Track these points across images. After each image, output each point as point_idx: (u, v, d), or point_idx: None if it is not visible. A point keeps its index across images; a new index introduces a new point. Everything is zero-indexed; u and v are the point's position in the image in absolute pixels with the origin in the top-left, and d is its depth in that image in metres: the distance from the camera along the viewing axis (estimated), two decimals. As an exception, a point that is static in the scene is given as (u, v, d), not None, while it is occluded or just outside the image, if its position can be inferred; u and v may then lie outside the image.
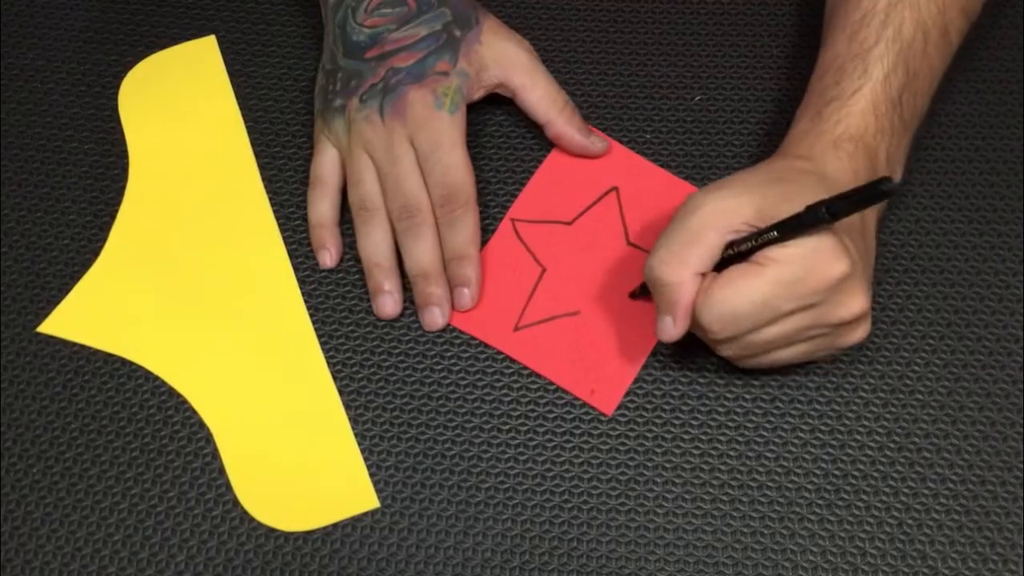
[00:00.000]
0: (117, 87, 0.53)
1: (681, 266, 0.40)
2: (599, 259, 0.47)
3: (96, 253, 0.49)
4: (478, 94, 0.48)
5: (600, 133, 0.50)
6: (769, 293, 0.38)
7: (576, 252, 0.48)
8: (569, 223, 0.48)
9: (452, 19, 0.48)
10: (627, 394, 0.45)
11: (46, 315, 0.47)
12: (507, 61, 0.48)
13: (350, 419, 0.45)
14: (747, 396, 0.45)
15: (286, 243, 0.49)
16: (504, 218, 0.49)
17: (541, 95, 0.49)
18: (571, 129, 0.49)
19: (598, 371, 0.45)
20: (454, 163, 0.46)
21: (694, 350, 0.46)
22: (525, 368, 0.46)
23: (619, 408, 0.45)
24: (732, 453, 0.45)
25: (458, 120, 0.47)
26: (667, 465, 0.44)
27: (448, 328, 0.47)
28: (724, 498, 0.44)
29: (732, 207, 0.40)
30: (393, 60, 0.47)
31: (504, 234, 0.48)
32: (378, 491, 0.44)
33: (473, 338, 0.47)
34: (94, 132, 0.52)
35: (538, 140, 0.51)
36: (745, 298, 0.38)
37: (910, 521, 0.43)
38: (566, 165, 0.50)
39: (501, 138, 0.51)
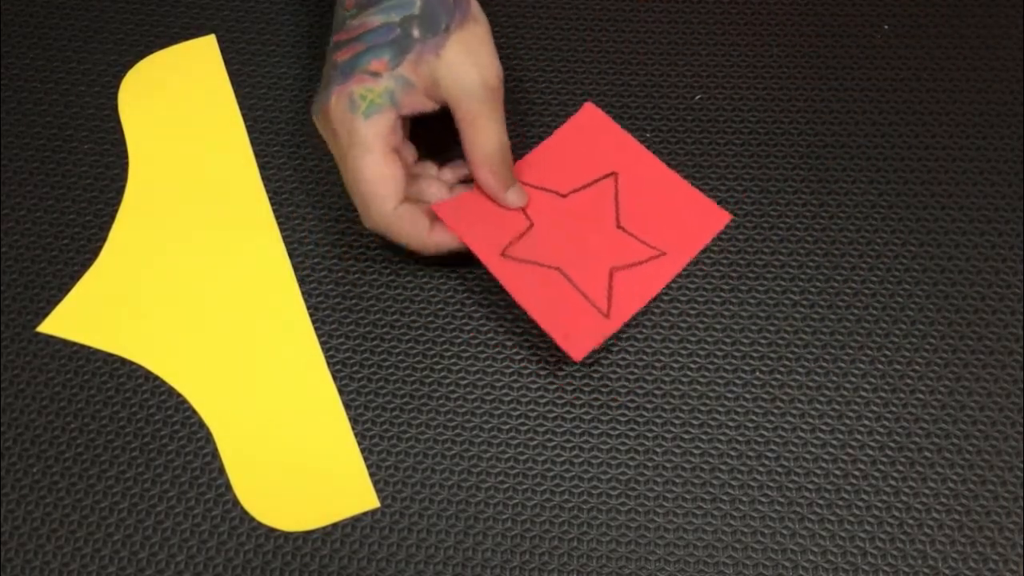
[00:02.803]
0: (117, 87, 0.53)
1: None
2: (586, 232, 0.47)
3: (96, 253, 0.49)
4: (427, 107, 0.44)
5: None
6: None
7: (565, 221, 0.48)
8: (564, 195, 0.48)
9: (418, 14, 0.43)
10: (627, 393, 0.45)
11: (46, 315, 0.47)
12: (460, 87, 0.43)
13: (350, 419, 0.45)
14: (747, 396, 0.45)
15: (286, 243, 0.49)
16: None
17: (477, 140, 0.44)
18: (491, 183, 0.46)
19: (576, 318, 0.45)
20: (354, 172, 0.43)
21: (695, 349, 0.46)
22: (526, 368, 0.46)
23: (619, 408, 0.45)
24: (732, 453, 0.45)
25: (374, 125, 0.43)
26: (667, 465, 0.44)
27: (448, 328, 0.47)
28: (724, 498, 0.44)
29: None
30: (338, 54, 0.44)
31: None
32: (378, 491, 0.44)
33: (474, 337, 0.47)
34: (94, 132, 0.52)
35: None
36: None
37: (911, 521, 0.43)
38: (574, 142, 0.50)
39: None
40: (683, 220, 0.48)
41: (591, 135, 0.50)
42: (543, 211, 0.48)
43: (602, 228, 0.47)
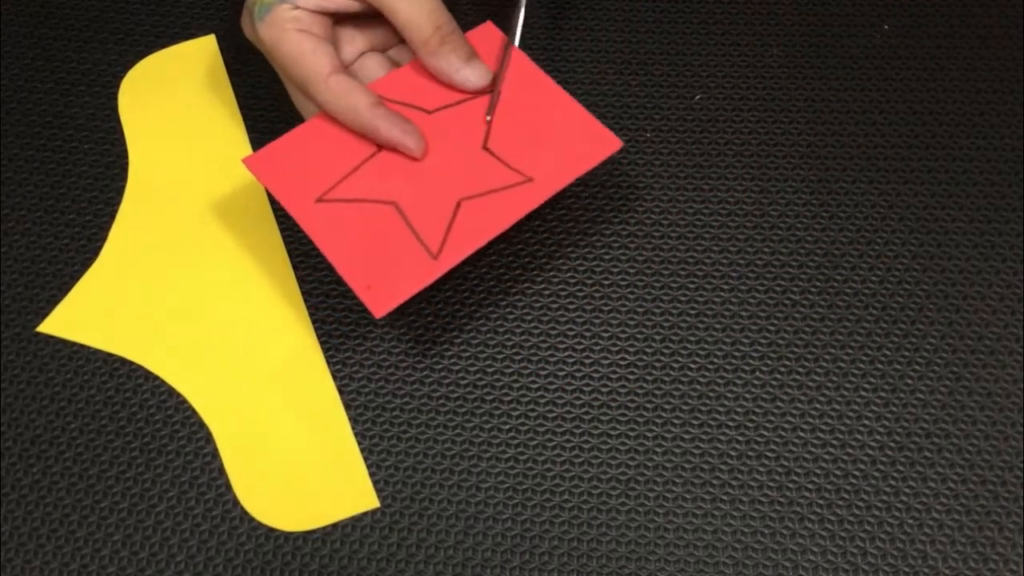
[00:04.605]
0: (117, 87, 0.53)
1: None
2: (442, 156, 0.43)
3: (96, 253, 0.49)
4: (344, 6, 0.43)
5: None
6: None
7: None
8: (429, 112, 0.44)
9: None
10: (627, 393, 0.45)
11: (46, 315, 0.47)
12: None
13: (350, 419, 0.45)
14: (747, 396, 0.45)
15: (286, 243, 0.49)
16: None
17: (405, 29, 0.42)
18: (435, 66, 0.43)
19: (386, 268, 0.40)
20: (282, 58, 0.42)
21: (695, 349, 0.46)
22: (526, 367, 0.46)
23: (619, 408, 0.45)
24: (732, 453, 0.45)
25: (270, 24, 0.42)
26: (667, 465, 0.44)
27: (448, 327, 0.47)
28: (724, 498, 0.44)
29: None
30: None
31: None
32: (378, 491, 0.44)
33: (474, 337, 0.47)
34: (94, 132, 0.52)
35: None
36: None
37: (911, 521, 0.43)
38: None
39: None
40: (563, 143, 0.43)
41: (481, 53, 0.45)
42: None
43: (465, 149, 0.43)
